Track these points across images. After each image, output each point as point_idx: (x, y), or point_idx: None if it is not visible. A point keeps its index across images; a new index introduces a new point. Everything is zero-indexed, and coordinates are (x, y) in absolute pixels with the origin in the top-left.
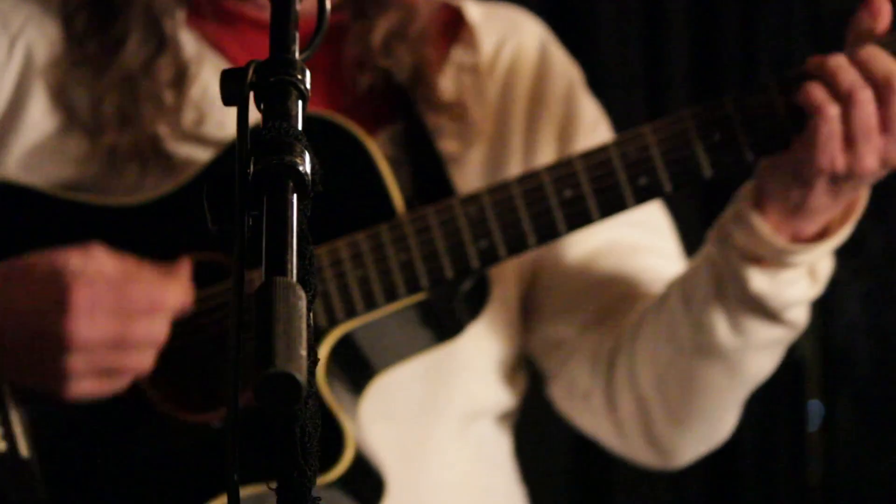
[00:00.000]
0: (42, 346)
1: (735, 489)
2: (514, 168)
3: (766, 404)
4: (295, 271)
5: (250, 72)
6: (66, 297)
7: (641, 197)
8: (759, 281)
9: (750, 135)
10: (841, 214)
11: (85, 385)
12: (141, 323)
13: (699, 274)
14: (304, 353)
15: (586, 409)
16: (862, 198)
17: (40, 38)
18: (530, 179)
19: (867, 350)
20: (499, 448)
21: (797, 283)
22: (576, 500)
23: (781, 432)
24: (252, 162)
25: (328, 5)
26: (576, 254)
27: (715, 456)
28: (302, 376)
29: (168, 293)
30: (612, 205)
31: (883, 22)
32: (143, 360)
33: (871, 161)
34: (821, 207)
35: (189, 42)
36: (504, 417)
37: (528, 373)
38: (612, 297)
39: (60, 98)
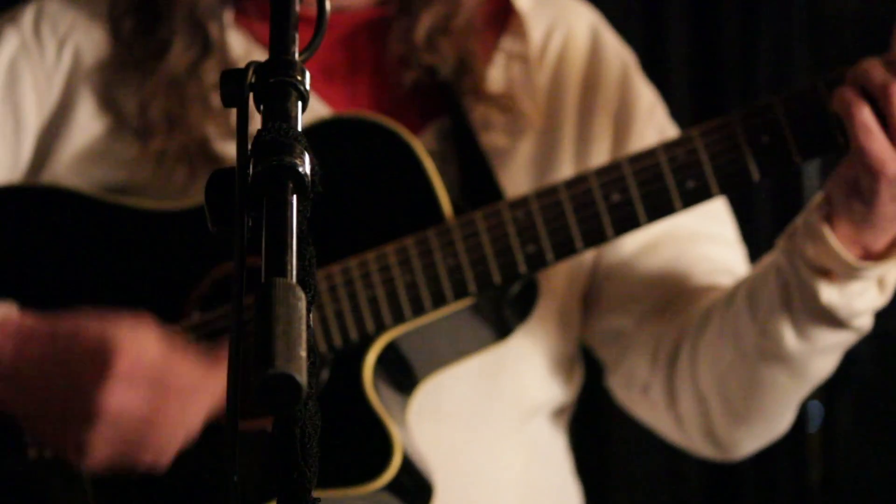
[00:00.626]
0: (73, 411)
1: (735, 489)
2: (566, 159)
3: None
4: (294, 272)
5: (250, 73)
6: (107, 368)
7: (689, 201)
8: (829, 294)
9: (798, 137)
10: None
11: (98, 459)
12: (173, 408)
13: (767, 281)
14: (303, 353)
15: (645, 402)
16: None
17: (88, 42)
18: (578, 184)
19: (867, 351)
20: (554, 445)
21: (865, 293)
22: None
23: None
24: (252, 163)
25: (328, 6)
26: (634, 244)
27: None
28: (302, 377)
29: (208, 384)
30: (660, 209)
31: None
32: (167, 443)
33: None
34: (888, 217)
35: (237, 41)
36: (559, 413)
37: (584, 365)
38: (670, 288)
39: (108, 101)
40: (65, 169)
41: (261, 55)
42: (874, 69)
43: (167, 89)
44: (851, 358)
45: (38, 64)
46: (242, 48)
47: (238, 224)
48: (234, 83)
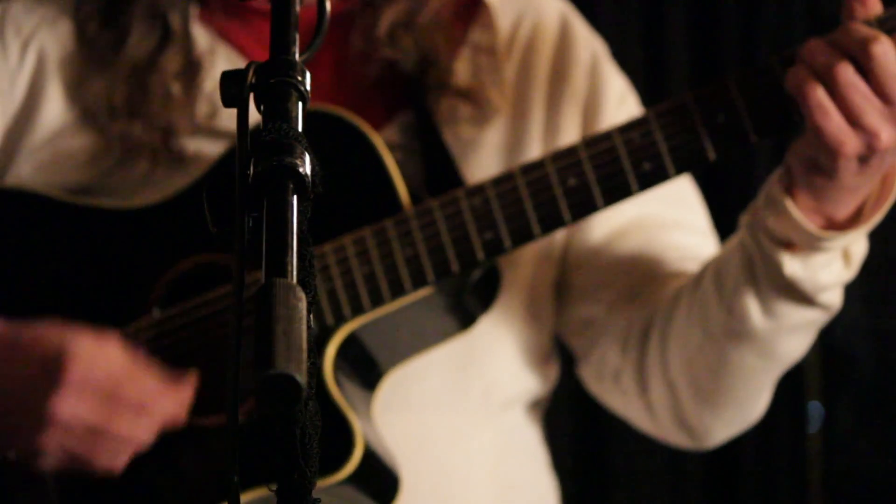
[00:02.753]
0: (24, 415)
1: (735, 490)
2: (535, 148)
3: (767, 405)
4: (295, 273)
5: (250, 73)
6: (60, 375)
7: (645, 183)
8: (792, 265)
9: (753, 116)
10: (877, 193)
11: (51, 463)
12: (125, 419)
13: (731, 258)
14: (304, 354)
15: (616, 390)
16: None
17: (53, 39)
18: (534, 170)
19: (867, 351)
20: (527, 438)
21: (830, 266)
22: (575, 500)
23: (782, 433)
24: (252, 163)
25: (328, 6)
26: (603, 231)
27: (715, 456)
28: (302, 377)
29: (163, 401)
30: (617, 192)
31: (874, 6)
32: (114, 457)
33: (886, 132)
34: (850, 188)
35: (201, 36)
36: (533, 406)
37: (559, 358)
38: (640, 275)
39: (75, 96)
40: (30, 168)
41: (224, 50)
42: (818, 50)
43: (128, 77)
44: (851, 358)
45: (1, 66)
46: (206, 43)
47: (238, 224)
48: (234, 83)
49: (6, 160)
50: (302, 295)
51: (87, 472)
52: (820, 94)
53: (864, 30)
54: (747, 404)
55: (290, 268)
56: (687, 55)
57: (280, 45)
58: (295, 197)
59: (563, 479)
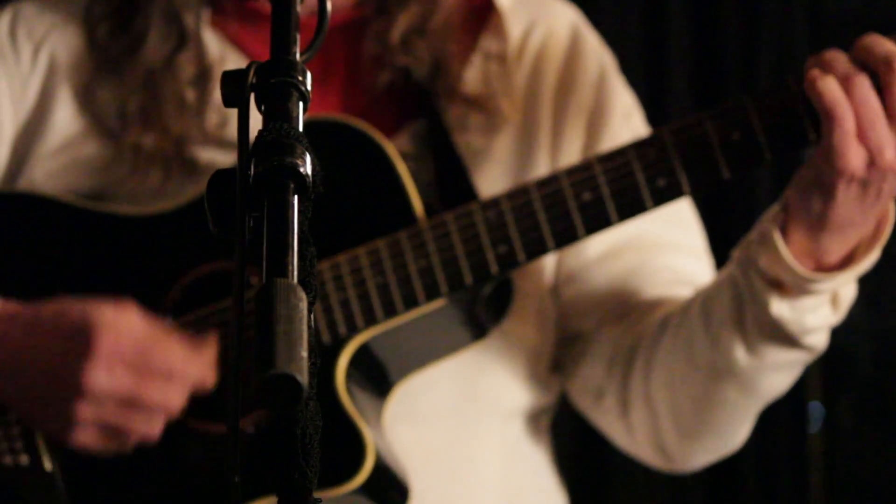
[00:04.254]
0: (56, 388)
1: (736, 490)
2: (542, 157)
3: (767, 406)
4: (296, 273)
5: (251, 73)
6: (89, 347)
7: (660, 199)
8: (779, 307)
9: (769, 133)
10: (868, 238)
11: (88, 435)
12: (156, 387)
13: (721, 292)
14: (304, 354)
15: (598, 408)
16: (890, 217)
17: (64, 44)
18: (549, 184)
19: (867, 352)
20: (535, 448)
21: (818, 309)
22: (575, 500)
23: (782, 434)
24: (253, 163)
25: (328, 6)
26: (598, 248)
27: None
28: (303, 378)
29: (191, 365)
30: (631, 207)
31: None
32: (150, 425)
33: (891, 150)
34: (845, 220)
35: (212, 42)
36: (540, 415)
37: None
38: (631, 296)
39: (86, 103)
40: (42, 174)
41: (235, 56)
42: (839, 59)
43: (143, 84)
44: (851, 358)
45: (13, 69)
46: (217, 48)
47: (239, 225)
48: (235, 83)
49: (18, 164)
50: (303, 295)
51: (118, 445)
52: (837, 92)
53: (888, 45)
54: (727, 435)
55: (290, 268)
56: (687, 55)
57: (281, 45)
58: (296, 197)
59: (564, 479)
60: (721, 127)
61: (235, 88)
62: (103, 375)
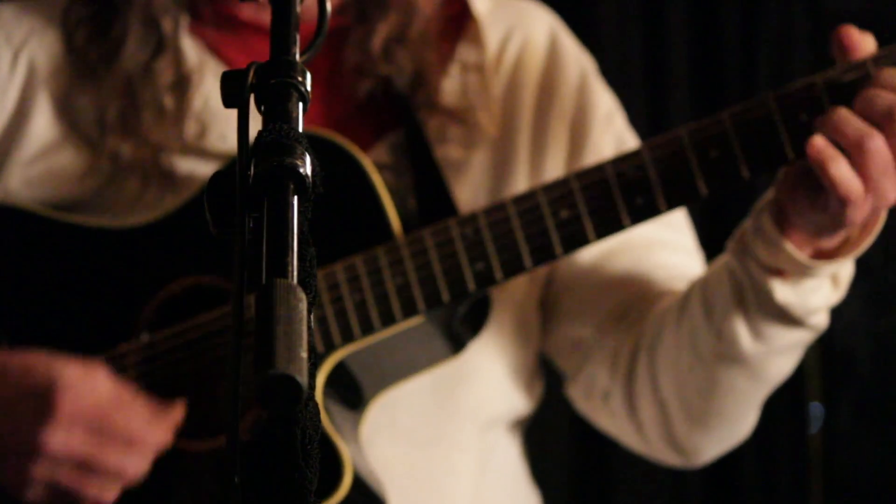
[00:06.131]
0: (14, 444)
1: (736, 490)
2: (521, 169)
3: (767, 406)
4: (295, 273)
5: (251, 74)
6: (50, 407)
7: (637, 217)
8: (784, 292)
9: (747, 151)
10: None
11: (39, 495)
12: (114, 451)
13: (719, 283)
14: (304, 355)
15: (605, 410)
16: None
17: (43, 50)
18: (526, 200)
19: (867, 352)
20: (508, 454)
21: (820, 290)
22: (576, 500)
23: (782, 434)
24: (252, 164)
25: (328, 7)
26: (591, 253)
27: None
28: (302, 378)
29: (152, 432)
30: (609, 225)
31: (867, 45)
32: (103, 490)
33: (893, 195)
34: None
35: (190, 49)
36: (517, 423)
37: (544, 376)
38: (628, 296)
39: (64, 110)
40: (18, 182)
41: (213, 63)
42: (846, 122)
43: (122, 91)
44: (851, 358)
45: None
46: (195, 54)
47: (239, 225)
48: (234, 84)
49: None
50: (302, 295)
51: None
52: (845, 170)
53: (889, 97)
54: (737, 423)
55: (290, 268)
56: (687, 55)
57: (280, 45)
58: (295, 197)
59: (563, 480)
60: (699, 144)
61: (235, 89)
62: (61, 437)
